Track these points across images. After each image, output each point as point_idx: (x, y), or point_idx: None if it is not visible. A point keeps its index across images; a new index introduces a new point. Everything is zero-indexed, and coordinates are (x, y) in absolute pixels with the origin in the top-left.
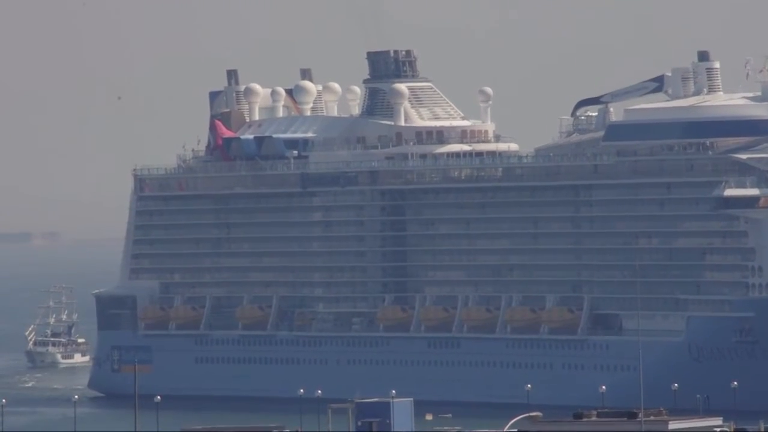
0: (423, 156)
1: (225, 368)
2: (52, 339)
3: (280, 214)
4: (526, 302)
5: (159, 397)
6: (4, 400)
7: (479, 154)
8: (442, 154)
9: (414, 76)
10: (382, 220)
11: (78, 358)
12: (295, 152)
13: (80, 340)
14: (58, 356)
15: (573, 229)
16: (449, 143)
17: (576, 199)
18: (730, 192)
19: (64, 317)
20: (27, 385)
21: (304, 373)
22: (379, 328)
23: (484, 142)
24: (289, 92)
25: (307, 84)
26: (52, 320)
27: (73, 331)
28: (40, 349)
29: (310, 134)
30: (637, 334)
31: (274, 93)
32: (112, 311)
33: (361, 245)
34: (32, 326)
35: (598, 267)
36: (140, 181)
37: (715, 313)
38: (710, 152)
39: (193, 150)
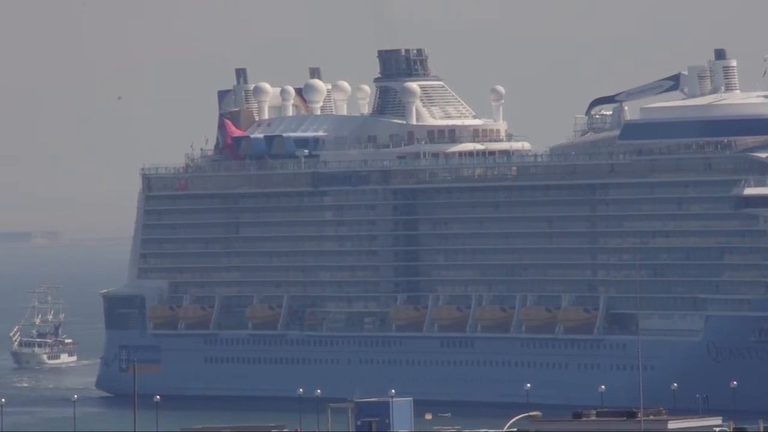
0: (435, 155)
1: (234, 368)
2: (37, 339)
3: (291, 213)
4: (541, 302)
5: (158, 396)
6: (3, 400)
7: (491, 153)
8: (454, 153)
9: (425, 75)
10: (394, 219)
11: (65, 359)
12: (306, 151)
13: (67, 341)
14: (44, 357)
15: (589, 228)
16: (461, 142)
17: (592, 198)
18: (749, 191)
19: (50, 317)
20: (19, 385)
21: (314, 373)
22: (392, 327)
23: (496, 141)
24: (299, 91)
25: (317, 83)
26: (37, 320)
27: (60, 331)
28: (25, 350)
29: (320, 133)
30: (655, 333)
31: (283, 92)
32: (120, 311)
33: (373, 244)
34: (17, 327)
35: (614, 266)
36: (148, 181)
37: (734, 313)
38: (728, 151)
39: (201, 149)
